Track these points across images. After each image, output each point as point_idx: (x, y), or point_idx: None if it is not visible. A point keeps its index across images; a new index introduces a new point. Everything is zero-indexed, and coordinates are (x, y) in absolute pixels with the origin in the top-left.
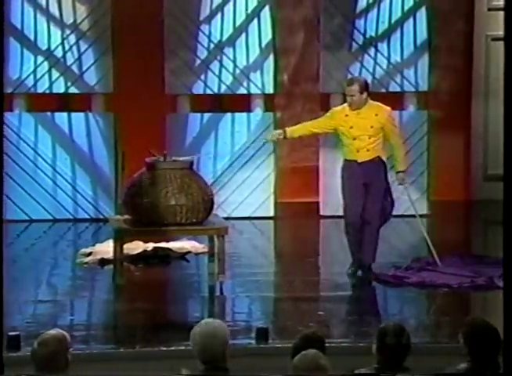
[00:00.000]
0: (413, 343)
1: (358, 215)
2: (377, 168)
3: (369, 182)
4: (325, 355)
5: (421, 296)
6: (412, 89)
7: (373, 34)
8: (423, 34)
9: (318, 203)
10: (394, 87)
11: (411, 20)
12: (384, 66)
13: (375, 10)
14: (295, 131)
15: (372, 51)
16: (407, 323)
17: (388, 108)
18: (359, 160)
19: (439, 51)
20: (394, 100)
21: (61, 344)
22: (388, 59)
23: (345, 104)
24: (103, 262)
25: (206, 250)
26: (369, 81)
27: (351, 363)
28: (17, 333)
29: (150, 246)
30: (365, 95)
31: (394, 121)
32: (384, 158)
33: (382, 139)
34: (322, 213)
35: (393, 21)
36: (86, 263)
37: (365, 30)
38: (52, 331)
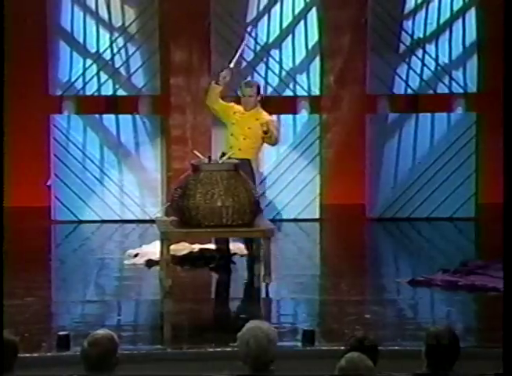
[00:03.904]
0: (462, 347)
1: None
2: (242, 169)
3: None
4: (378, 359)
5: (469, 300)
6: (461, 91)
7: (421, 35)
8: (472, 34)
9: (364, 205)
10: (442, 88)
11: (460, 21)
12: (432, 68)
13: (423, 11)
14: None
15: (419, 52)
16: (455, 326)
17: (268, 117)
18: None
19: (488, 51)
20: (442, 102)
21: (111, 344)
22: (436, 60)
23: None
24: (150, 263)
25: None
26: (417, 82)
27: (399, 366)
28: (67, 332)
29: (196, 247)
30: (258, 97)
31: (275, 123)
32: (254, 164)
33: (258, 145)
34: (368, 215)
35: (441, 22)
36: (133, 264)
37: (412, 32)
38: (102, 331)
